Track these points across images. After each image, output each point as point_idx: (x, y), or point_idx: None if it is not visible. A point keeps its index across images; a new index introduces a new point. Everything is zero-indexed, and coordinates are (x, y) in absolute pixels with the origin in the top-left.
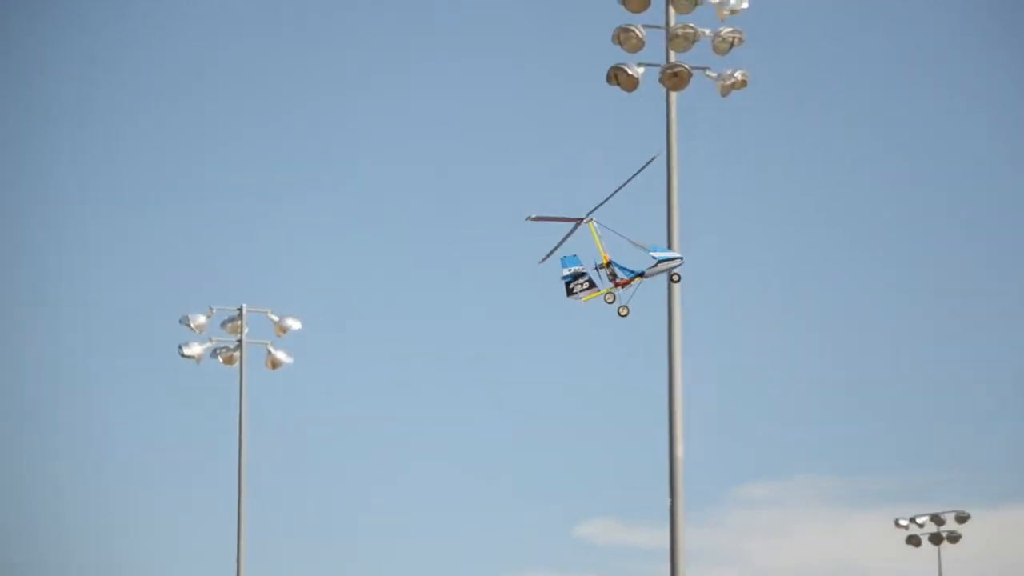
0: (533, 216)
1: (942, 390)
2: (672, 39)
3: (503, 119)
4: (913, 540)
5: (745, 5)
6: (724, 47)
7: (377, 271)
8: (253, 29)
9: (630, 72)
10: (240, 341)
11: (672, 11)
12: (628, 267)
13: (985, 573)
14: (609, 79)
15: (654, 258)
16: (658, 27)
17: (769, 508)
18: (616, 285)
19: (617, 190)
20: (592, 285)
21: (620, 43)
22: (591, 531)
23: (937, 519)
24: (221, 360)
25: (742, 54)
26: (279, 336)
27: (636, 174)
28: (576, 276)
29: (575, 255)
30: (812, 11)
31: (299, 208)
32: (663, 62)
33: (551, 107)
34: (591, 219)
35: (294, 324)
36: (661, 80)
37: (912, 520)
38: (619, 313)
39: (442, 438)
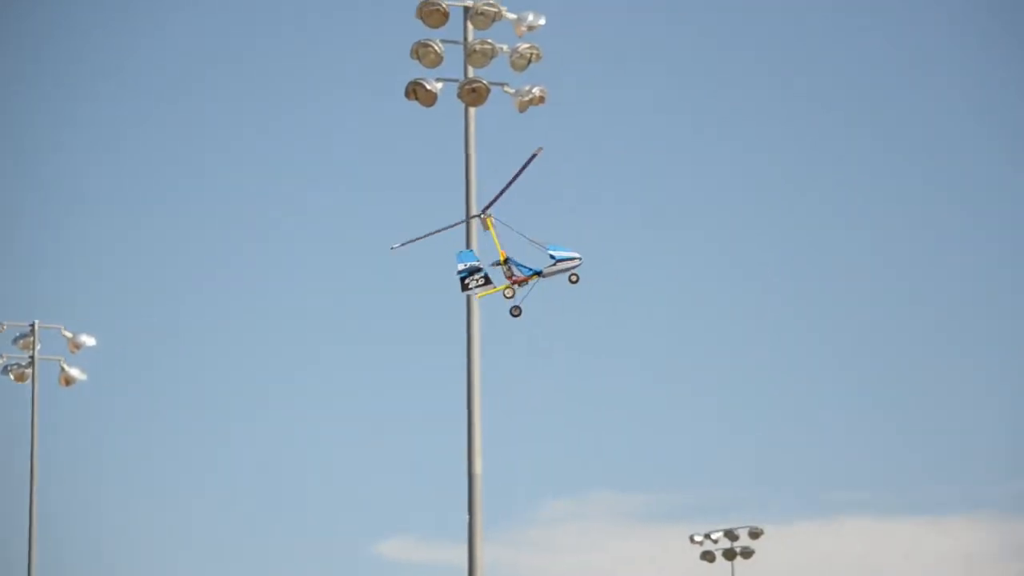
0: (396, 245)
1: (734, 408)
2: (470, 55)
3: (298, 135)
4: (708, 556)
5: (542, 22)
6: (522, 63)
7: (171, 287)
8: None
9: (428, 87)
10: (32, 358)
11: (470, 27)
12: (526, 265)
13: None
14: (408, 94)
15: (552, 257)
16: (456, 42)
17: (567, 524)
18: (512, 283)
19: (507, 185)
20: (488, 281)
21: (419, 58)
22: (391, 548)
23: (731, 535)
24: (12, 377)
25: (539, 70)
26: (72, 352)
27: (523, 168)
28: (471, 272)
29: (471, 250)
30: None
31: (90, 223)
32: (461, 77)
33: (349, 121)
34: (489, 214)
35: (88, 340)
36: (459, 95)
37: (707, 536)
38: (511, 313)
39: (236, 453)
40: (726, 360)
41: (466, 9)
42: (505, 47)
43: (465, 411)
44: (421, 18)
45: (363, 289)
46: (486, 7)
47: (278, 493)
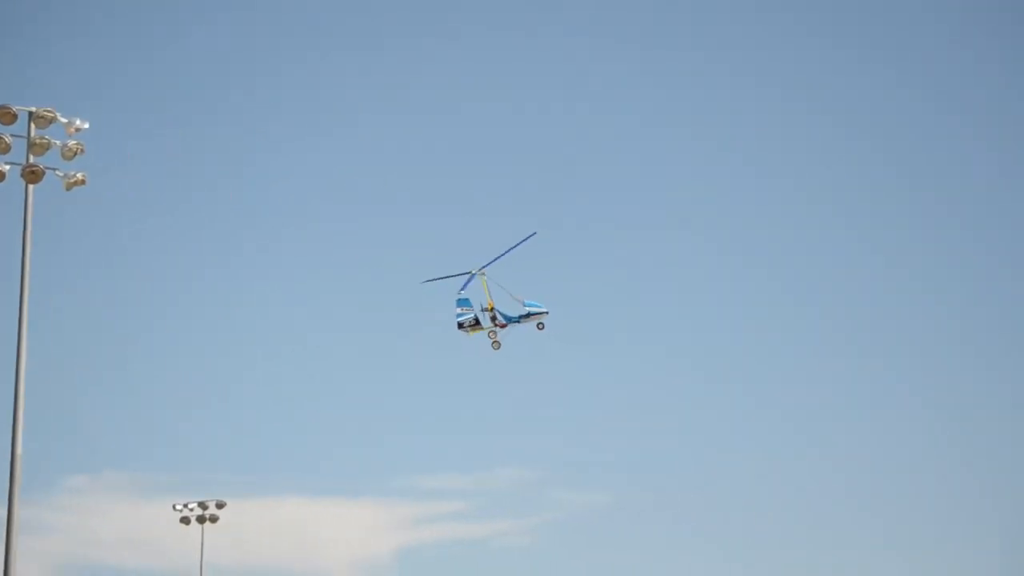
0: (428, 279)
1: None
2: (32, 146)
3: None
4: (185, 520)
5: (87, 126)
6: (70, 155)
7: None
8: None
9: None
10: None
11: (33, 126)
12: (506, 313)
13: (238, 545)
14: None
15: (527, 310)
16: (22, 136)
17: (86, 495)
18: (496, 325)
19: (500, 256)
20: (477, 323)
21: None
22: None
23: (203, 505)
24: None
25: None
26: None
27: (517, 245)
28: (466, 315)
29: (468, 298)
30: None
31: None
32: (24, 162)
33: None
34: (483, 272)
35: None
36: (22, 175)
37: (185, 505)
38: (492, 347)
39: None
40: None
41: (30, 113)
42: (58, 142)
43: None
44: None
45: None
46: (45, 112)
47: None
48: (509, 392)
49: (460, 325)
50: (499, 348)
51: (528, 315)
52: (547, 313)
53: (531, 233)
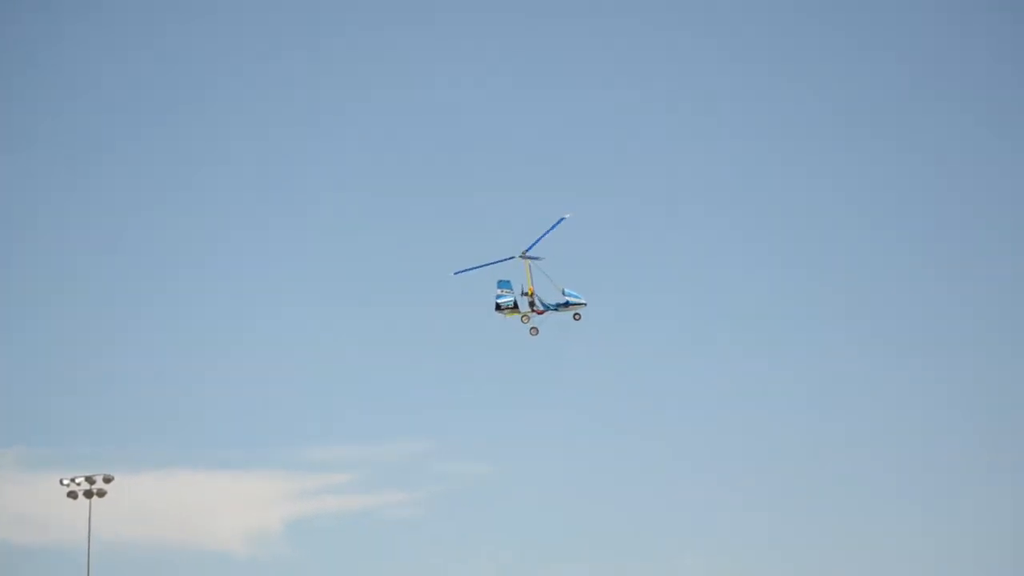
0: (460, 271)
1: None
2: None
3: None
4: (72, 495)
5: None
6: None
7: None
8: None
9: None
10: None
11: None
12: (545, 301)
13: (126, 519)
14: None
15: (566, 299)
16: None
17: None
18: (533, 311)
19: (537, 241)
20: (516, 307)
21: None
22: None
23: (90, 479)
24: None
25: None
26: None
27: (550, 230)
28: (506, 297)
29: (508, 280)
30: None
31: None
32: None
33: None
34: (527, 257)
35: None
36: None
37: (72, 480)
38: (530, 333)
39: None
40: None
41: None
42: None
43: None
44: None
45: None
46: None
47: None
48: (395, 365)
49: (498, 307)
50: (536, 335)
51: (566, 304)
52: (585, 304)
53: (561, 217)
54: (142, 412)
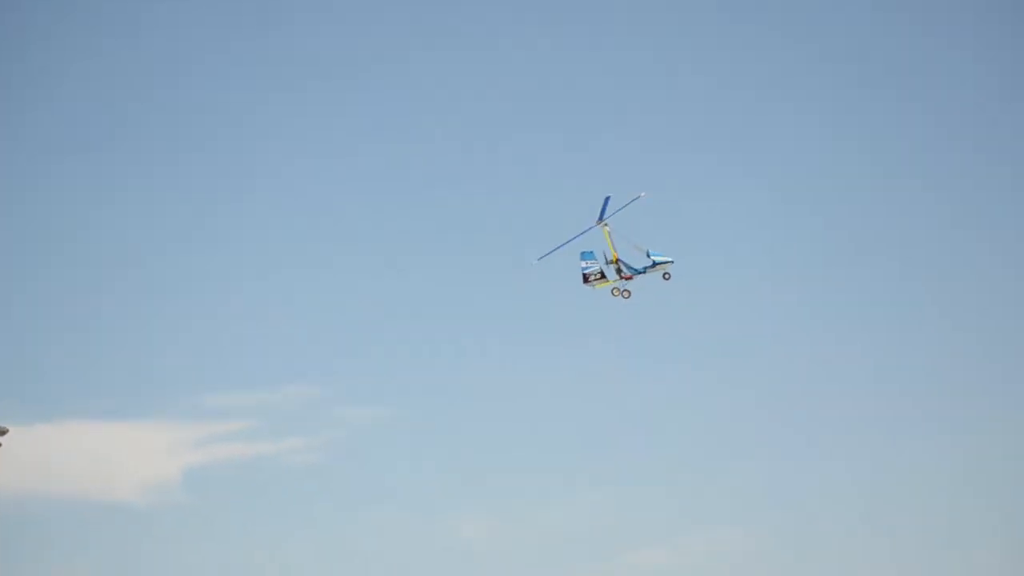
0: (541, 256)
1: None
2: None
3: None
4: None
5: None
6: None
7: None
8: None
9: None
10: None
11: None
12: (632, 265)
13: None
14: None
15: (652, 260)
16: None
17: None
18: (621, 278)
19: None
20: (603, 276)
21: None
22: None
23: None
24: None
25: None
26: None
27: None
28: (591, 267)
29: (591, 251)
30: None
31: None
32: None
33: None
34: (605, 224)
35: None
36: None
37: None
38: (623, 296)
39: None
40: None
41: None
42: None
43: None
44: None
45: None
46: None
47: None
48: (293, 310)
49: (586, 279)
50: (629, 297)
51: (654, 265)
52: (672, 262)
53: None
54: (36, 362)
